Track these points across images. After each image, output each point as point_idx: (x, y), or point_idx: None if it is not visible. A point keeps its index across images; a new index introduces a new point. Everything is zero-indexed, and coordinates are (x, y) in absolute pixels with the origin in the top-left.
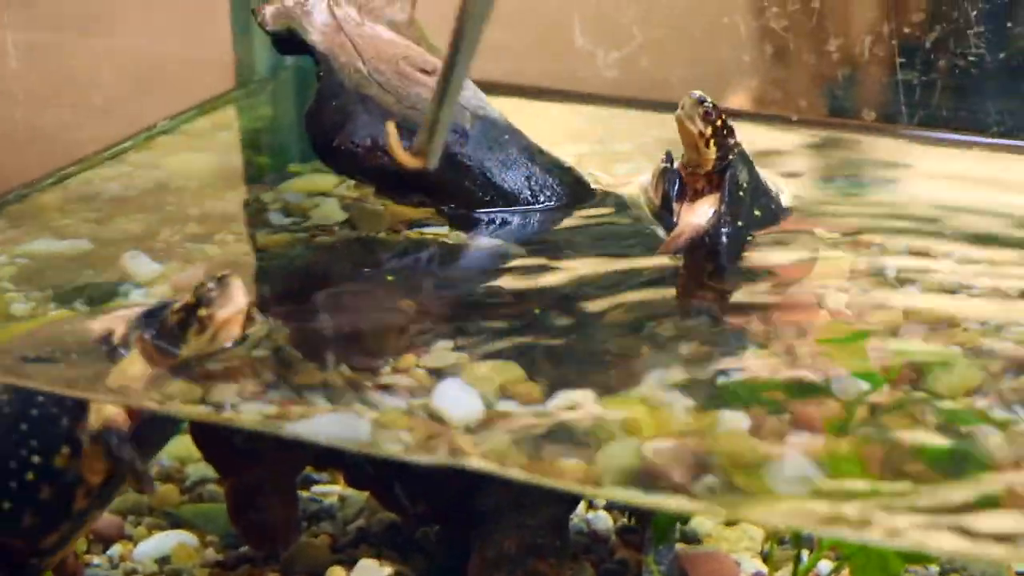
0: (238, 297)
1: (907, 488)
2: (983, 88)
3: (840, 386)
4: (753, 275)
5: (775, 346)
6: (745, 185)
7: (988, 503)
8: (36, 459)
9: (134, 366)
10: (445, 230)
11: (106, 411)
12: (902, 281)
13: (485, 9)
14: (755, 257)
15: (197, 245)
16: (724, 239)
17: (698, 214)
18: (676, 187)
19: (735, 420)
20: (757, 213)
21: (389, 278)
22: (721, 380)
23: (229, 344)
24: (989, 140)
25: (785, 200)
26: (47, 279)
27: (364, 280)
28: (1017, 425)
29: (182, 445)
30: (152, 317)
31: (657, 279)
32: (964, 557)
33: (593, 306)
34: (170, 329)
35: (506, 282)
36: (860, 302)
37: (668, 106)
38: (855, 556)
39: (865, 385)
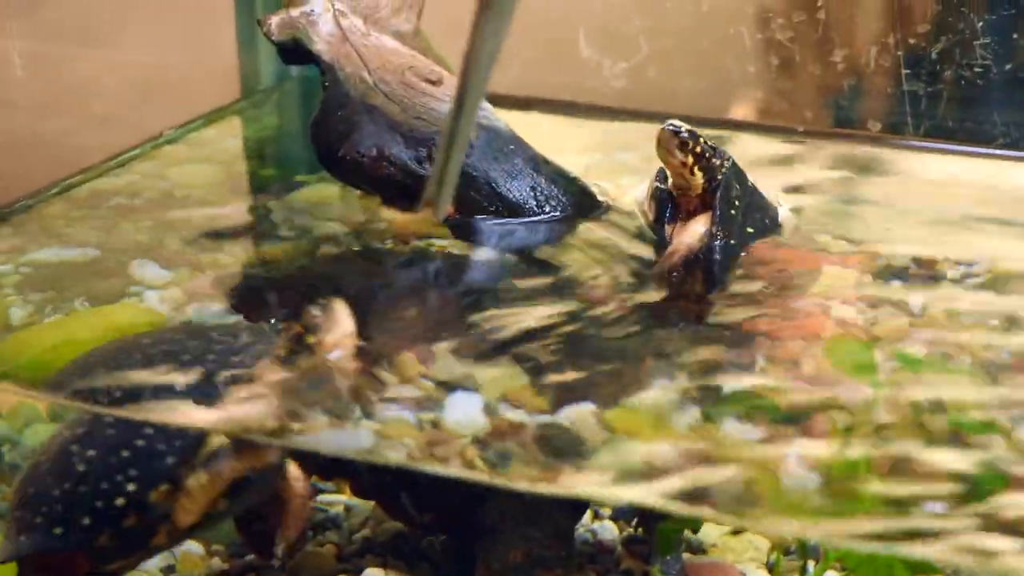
0: (344, 321)
1: (914, 498)
2: (989, 99)
3: (848, 395)
4: (752, 288)
5: (781, 357)
6: (737, 202)
7: (993, 514)
8: (131, 487)
9: None
10: (450, 241)
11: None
12: (908, 291)
13: (490, 60)
14: (753, 271)
15: (206, 254)
16: (717, 256)
17: (690, 233)
18: (668, 209)
19: (742, 430)
20: (750, 230)
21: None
22: (727, 391)
23: None
24: (994, 151)
25: (783, 213)
26: (52, 287)
27: (369, 291)
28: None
29: None
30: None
31: (656, 294)
32: (971, 570)
33: (596, 317)
34: (278, 359)
35: (510, 293)
36: (865, 313)
37: (675, 117)
38: (861, 567)
39: (872, 394)
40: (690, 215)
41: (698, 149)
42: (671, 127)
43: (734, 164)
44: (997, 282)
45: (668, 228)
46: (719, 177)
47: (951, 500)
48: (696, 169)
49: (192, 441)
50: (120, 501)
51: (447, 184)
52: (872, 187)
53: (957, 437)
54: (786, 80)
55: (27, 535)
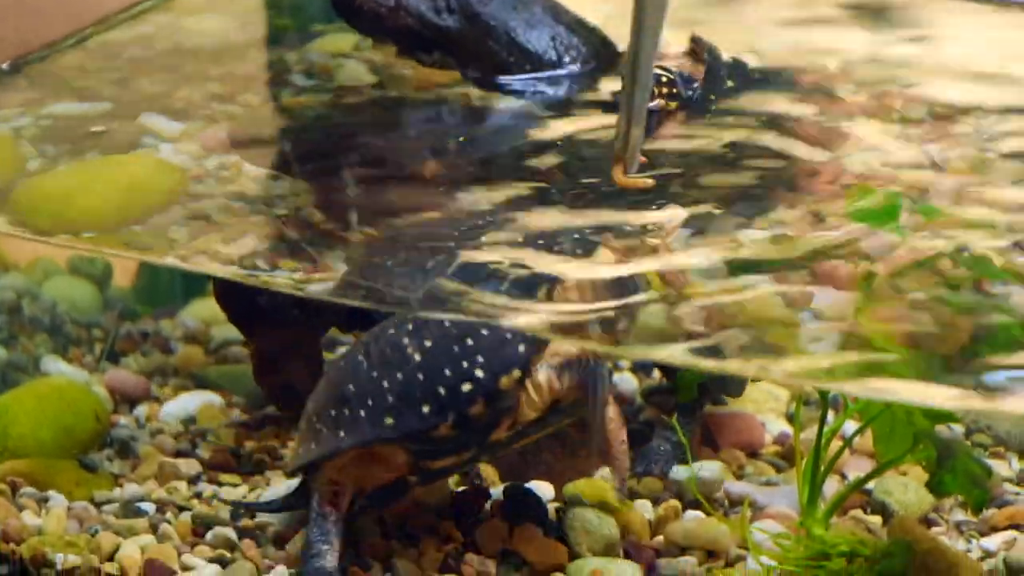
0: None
1: (931, 346)
2: None
3: (868, 243)
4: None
5: (801, 205)
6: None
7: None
8: (480, 373)
9: None
10: (470, 91)
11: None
12: (930, 141)
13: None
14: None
15: (221, 105)
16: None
17: None
18: None
19: (761, 280)
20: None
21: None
22: (748, 238)
23: None
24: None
25: None
26: (68, 139)
27: (389, 140)
28: None
29: (207, 306)
30: None
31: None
32: (987, 416)
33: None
34: None
35: (531, 143)
36: (887, 163)
37: None
38: (880, 417)
39: (894, 240)
40: None
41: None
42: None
43: None
44: None
45: None
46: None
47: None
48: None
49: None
50: (467, 387)
51: (633, 143)
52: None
53: (976, 285)
54: None
55: (350, 430)
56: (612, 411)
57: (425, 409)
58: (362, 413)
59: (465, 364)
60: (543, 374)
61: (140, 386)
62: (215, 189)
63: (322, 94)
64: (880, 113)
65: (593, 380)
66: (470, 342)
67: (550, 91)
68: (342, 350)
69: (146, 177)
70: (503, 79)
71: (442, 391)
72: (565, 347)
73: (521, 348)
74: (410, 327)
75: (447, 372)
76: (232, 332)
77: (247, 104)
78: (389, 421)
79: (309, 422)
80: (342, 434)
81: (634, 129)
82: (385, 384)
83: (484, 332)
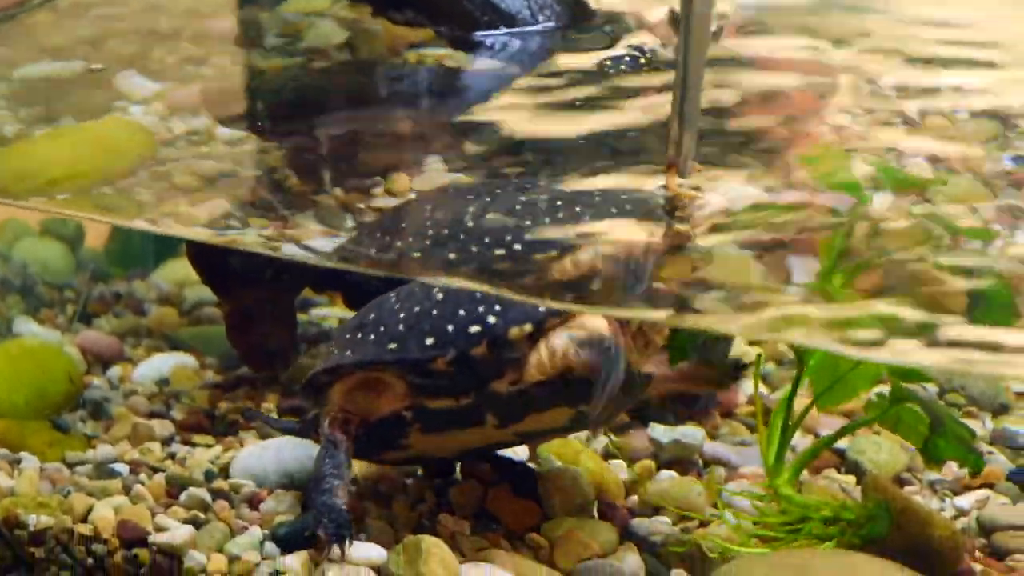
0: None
1: (901, 306)
2: None
3: (837, 203)
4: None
5: (769, 162)
6: None
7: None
8: (492, 319)
9: None
10: (445, 52)
11: (597, 323)
12: (902, 98)
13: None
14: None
15: (193, 67)
16: None
17: None
18: None
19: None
20: None
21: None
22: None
23: None
24: None
25: None
26: (41, 101)
27: (361, 102)
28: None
29: (180, 268)
30: None
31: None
32: (953, 372)
33: (583, 124)
34: None
35: (503, 104)
36: (860, 120)
37: None
38: (821, 369)
39: (858, 201)
40: None
41: None
42: None
43: None
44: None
45: None
46: None
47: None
48: None
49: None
50: (475, 328)
51: (686, 144)
52: None
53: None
54: None
55: (356, 351)
56: None
57: (429, 341)
58: (371, 337)
59: (481, 308)
60: (561, 340)
61: (113, 347)
62: (187, 152)
63: (296, 56)
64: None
65: (608, 365)
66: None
67: (524, 47)
68: (316, 311)
69: (118, 140)
70: (478, 35)
71: (450, 327)
72: (595, 323)
73: (542, 308)
74: None
75: (461, 312)
76: (205, 293)
77: (219, 65)
78: (392, 346)
79: (328, 347)
80: (348, 353)
81: (686, 134)
82: (401, 315)
83: None
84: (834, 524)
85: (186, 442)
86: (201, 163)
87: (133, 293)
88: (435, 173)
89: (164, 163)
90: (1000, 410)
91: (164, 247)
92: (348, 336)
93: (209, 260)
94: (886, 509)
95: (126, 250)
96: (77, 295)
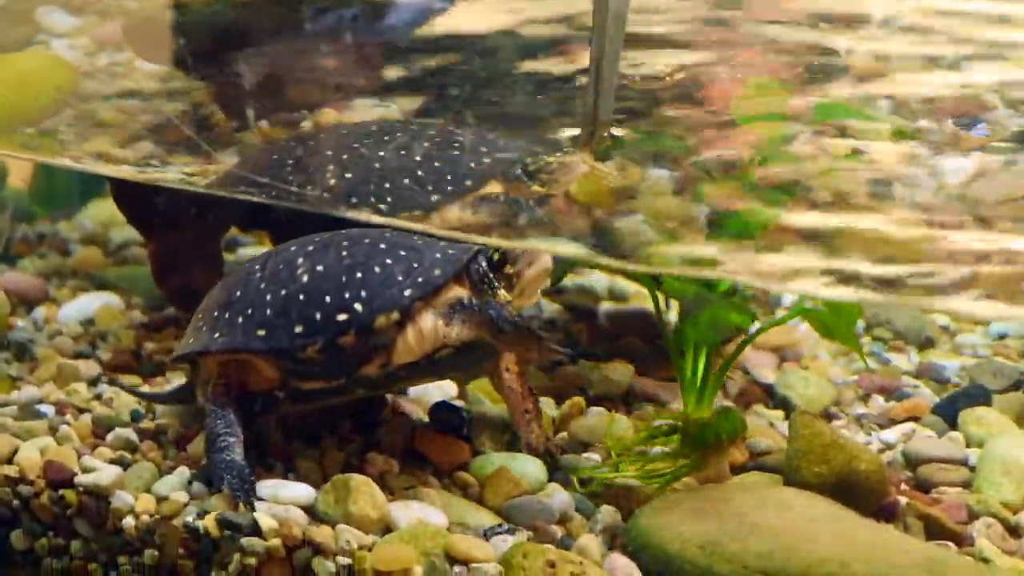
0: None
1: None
2: None
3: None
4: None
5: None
6: None
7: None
8: (358, 307)
9: None
10: None
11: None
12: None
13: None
14: None
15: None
16: None
17: None
18: None
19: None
20: None
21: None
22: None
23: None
24: None
25: None
26: None
27: (285, 37)
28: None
29: (105, 208)
30: None
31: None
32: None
33: (513, 62)
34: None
35: (429, 34)
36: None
37: None
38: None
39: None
40: None
41: None
42: None
43: None
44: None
45: None
46: None
47: None
48: None
49: (431, 280)
50: (342, 317)
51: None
52: None
53: None
54: None
55: (224, 334)
56: (515, 381)
57: (298, 329)
58: (239, 320)
59: (347, 295)
60: (429, 321)
61: (37, 288)
62: (109, 86)
63: None
64: None
65: (492, 315)
66: (359, 275)
67: None
68: (243, 251)
69: (38, 75)
70: None
71: (317, 316)
72: (456, 292)
73: (407, 292)
74: (309, 248)
75: (327, 299)
76: (131, 233)
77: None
78: (260, 333)
79: (197, 318)
80: (216, 336)
81: (602, 107)
82: (268, 298)
83: (376, 270)
84: (674, 434)
85: (113, 382)
86: (122, 99)
87: (58, 233)
88: (363, 108)
89: (86, 99)
90: (926, 343)
91: (89, 186)
92: (215, 315)
93: (134, 199)
94: (724, 418)
95: (50, 190)
96: None
